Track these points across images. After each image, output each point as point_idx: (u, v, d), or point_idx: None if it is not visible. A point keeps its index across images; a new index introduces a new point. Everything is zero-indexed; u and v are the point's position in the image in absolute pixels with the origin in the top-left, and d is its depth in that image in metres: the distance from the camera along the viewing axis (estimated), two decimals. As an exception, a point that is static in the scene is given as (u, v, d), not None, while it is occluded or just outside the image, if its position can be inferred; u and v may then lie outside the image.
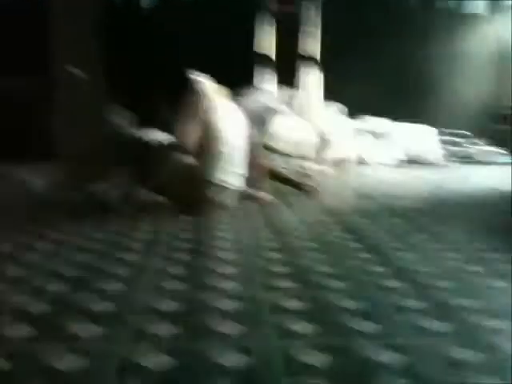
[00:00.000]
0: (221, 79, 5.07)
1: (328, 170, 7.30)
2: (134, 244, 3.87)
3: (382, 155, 8.68)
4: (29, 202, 4.98)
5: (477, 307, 2.83)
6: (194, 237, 4.10)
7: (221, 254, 3.65)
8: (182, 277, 3.20)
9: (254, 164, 5.28)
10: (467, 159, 9.40)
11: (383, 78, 9.84)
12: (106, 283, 3.05)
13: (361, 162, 8.50)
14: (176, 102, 4.70)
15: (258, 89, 8.00)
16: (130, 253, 3.65)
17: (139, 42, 9.00)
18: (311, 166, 6.80)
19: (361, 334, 2.48)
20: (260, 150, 5.81)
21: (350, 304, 2.84)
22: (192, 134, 4.58)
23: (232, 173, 4.82)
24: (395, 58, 10.07)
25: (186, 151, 4.55)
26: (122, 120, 5.78)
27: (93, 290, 2.94)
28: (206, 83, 5.01)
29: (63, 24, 5.19)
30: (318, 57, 9.25)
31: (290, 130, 6.98)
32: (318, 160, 7.34)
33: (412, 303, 2.88)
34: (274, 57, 9.35)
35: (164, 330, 2.47)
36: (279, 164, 6.39)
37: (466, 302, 2.90)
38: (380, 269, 3.45)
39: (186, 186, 4.57)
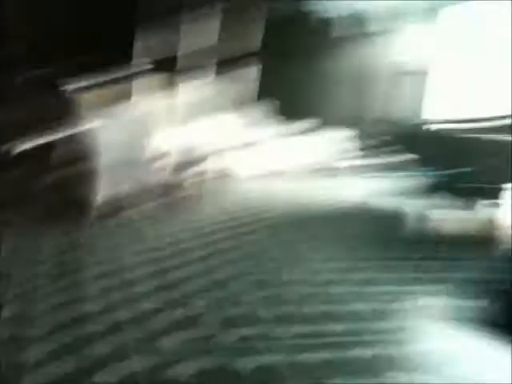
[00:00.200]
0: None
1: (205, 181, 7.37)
2: None
3: (264, 166, 8.62)
4: None
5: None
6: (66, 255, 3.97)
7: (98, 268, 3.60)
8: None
9: (134, 176, 5.17)
10: (341, 171, 9.36)
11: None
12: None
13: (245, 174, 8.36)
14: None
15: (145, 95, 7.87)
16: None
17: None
18: (194, 178, 6.91)
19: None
20: (142, 162, 5.74)
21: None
22: (69, 147, 4.32)
23: (112, 186, 4.64)
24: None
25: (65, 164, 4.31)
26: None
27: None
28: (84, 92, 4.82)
29: None
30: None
31: (175, 141, 6.92)
32: (200, 172, 7.41)
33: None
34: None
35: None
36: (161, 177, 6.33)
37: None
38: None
39: (64, 200, 4.46)
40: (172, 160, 7.08)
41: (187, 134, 8.09)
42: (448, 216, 5.72)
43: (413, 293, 3.52)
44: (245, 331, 2.79)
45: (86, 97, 6.06)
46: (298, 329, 2.86)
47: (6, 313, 2.79)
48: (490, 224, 5.21)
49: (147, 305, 3.02)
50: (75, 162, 4.62)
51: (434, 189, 5.87)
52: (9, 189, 4.52)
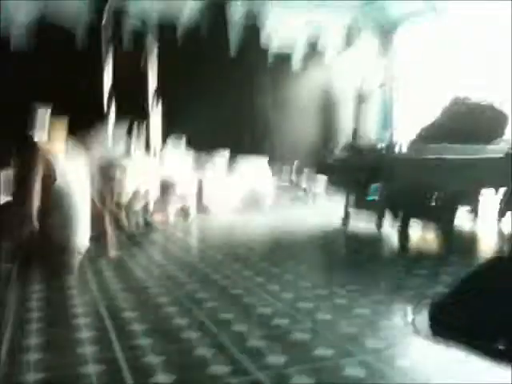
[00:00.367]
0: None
1: (169, 218, 7.69)
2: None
3: (224, 199, 8.95)
4: None
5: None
6: (44, 304, 3.95)
7: (75, 320, 3.55)
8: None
9: (100, 219, 5.15)
10: (298, 199, 10.01)
11: (223, 123, 10.40)
12: None
13: (204, 208, 8.73)
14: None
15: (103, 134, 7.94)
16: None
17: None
18: (153, 216, 7.16)
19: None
20: (108, 205, 5.78)
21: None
22: (32, 196, 4.26)
23: (81, 233, 4.63)
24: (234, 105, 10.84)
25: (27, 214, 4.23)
26: None
27: None
28: (44, 139, 4.78)
29: None
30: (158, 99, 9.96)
31: (135, 180, 7.02)
32: (160, 209, 7.71)
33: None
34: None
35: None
36: (124, 216, 6.43)
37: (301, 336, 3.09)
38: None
39: (32, 251, 4.35)
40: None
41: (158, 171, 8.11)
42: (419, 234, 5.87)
43: (396, 310, 3.54)
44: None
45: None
46: (287, 355, 2.82)
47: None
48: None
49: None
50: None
51: (395, 209, 5.99)
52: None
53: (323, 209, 8.66)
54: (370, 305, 3.61)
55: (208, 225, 7.58)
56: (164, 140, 9.30)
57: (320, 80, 11.98)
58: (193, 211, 8.29)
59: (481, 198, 6.39)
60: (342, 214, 6.68)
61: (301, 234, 6.51)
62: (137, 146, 7.86)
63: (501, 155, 5.42)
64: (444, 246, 5.32)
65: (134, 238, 6.16)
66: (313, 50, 11.79)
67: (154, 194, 7.63)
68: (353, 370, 2.66)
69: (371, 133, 11.75)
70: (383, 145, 7.34)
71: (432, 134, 6.41)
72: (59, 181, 4.46)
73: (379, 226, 6.17)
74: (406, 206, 5.63)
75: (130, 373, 2.68)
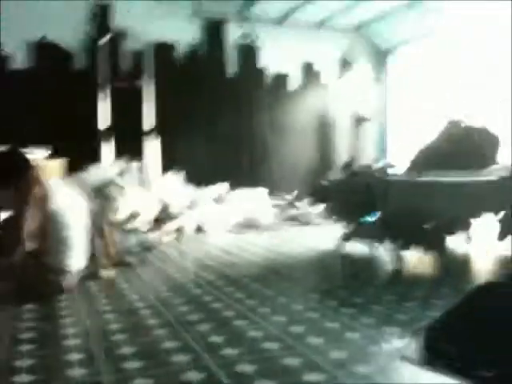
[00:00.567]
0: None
1: (164, 238, 7.67)
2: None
3: (220, 221, 8.98)
4: None
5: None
6: (35, 325, 3.91)
7: (66, 342, 3.52)
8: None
9: (96, 242, 5.16)
10: (295, 221, 9.98)
11: (219, 148, 10.90)
12: None
13: (199, 229, 8.77)
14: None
15: (100, 163, 8.39)
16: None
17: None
18: (147, 236, 7.16)
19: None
20: (103, 226, 5.80)
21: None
22: (28, 219, 4.31)
23: (74, 255, 4.64)
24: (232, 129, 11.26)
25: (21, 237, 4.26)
26: None
27: None
28: (38, 163, 4.85)
29: None
30: (155, 128, 10.09)
31: (132, 203, 7.17)
32: (155, 228, 7.81)
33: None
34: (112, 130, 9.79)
35: None
36: (119, 238, 6.42)
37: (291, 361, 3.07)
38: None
39: (26, 272, 4.42)
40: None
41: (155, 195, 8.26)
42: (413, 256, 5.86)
43: (389, 335, 3.50)
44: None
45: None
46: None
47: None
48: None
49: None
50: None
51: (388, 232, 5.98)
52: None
53: (320, 230, 8.66)
54: (360, 329, 3.59)
55: (203, 245, 7.55)
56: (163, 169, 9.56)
57: (317, 102, 12.18)
58: (188, 231, 8.31)
59: (474, 222, 6.37)
60: (338, 235, 6.66)
61: (296, 255, 6.49)
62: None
63: (499, 177, 5.40)
64: (439, 270, 5.30)
65: (127, 258, 6.15)
66: (309, 71, 11.95)
67: (149, 213, 7.65)
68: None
69: (367, 155, 11.89)
70: (378, 167, 7.37)
71: (428, 157, 6.42)
72: (54, 202, 4.48)
73: (374, 248, 6.17)
74: (401, 229, 5.61)
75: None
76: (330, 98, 12.14)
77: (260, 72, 11.42)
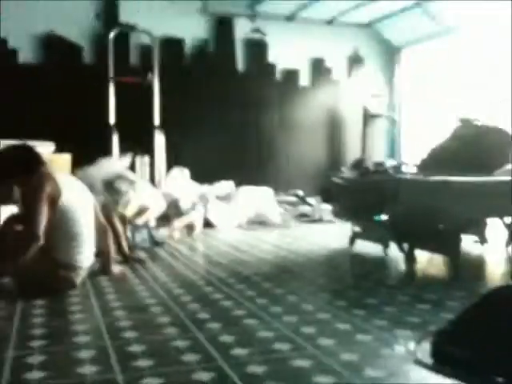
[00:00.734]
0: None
1: (174, 233, 7.74)
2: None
3: (228, 218, 8.95)
4: None
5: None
6: (46, 321, 3.90)
7: (76, 339, 3.52)
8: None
9: (103, 235, 5.19)
10: (304, 218, 9.93)
11: (226, 145, 10.77)
12: None
13: (210, 225, 8.76)
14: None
15: (109, 158, 8.17)
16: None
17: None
18: (158, 231, 7.25)
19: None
20: (114, 221, 5.77)
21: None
22: (41, 215, 4.37)
23: (85, 251, 4.65)
24: (238, 127, 11.13)
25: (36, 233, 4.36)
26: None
27: None
28: (46, 157, 4.84)
29: None
30: (161, 124, 9.93)
31: (142, 197, 7.08)
32: (165, 224, 7.82)
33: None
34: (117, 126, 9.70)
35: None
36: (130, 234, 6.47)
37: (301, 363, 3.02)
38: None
39: (36, 267, 4.41)
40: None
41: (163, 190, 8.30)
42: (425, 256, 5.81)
43: (400, 337, 3.47)
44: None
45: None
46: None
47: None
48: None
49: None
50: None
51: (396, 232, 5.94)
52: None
53: (332, 228, 8.64)
54: (372, 331, 3.56)
55: (214, 241, 7.54)
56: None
57: (328, 98, 12.10)
58: (198, 227, 8.31)
59: (488, 224, 6.31)
60: (349, 234, 6.63)
61: (307, 253, 6.47)
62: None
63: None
64: (451, 272, 5.25)
65: (137, 253, 6.15)
66: (320, 67, 11.89)
67: (159, 208, 7.64)
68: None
69: (379, 153, 11.81)
70: (391, 165, 7.31)
71: (440, 156, 6.36)
72: (65, 198, 4.47)
73: (386, 249, 6.15)
74: (414, 229, 5.56)
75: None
76: (341, 95, 12.03)
77: (270, 68, 11.35)
